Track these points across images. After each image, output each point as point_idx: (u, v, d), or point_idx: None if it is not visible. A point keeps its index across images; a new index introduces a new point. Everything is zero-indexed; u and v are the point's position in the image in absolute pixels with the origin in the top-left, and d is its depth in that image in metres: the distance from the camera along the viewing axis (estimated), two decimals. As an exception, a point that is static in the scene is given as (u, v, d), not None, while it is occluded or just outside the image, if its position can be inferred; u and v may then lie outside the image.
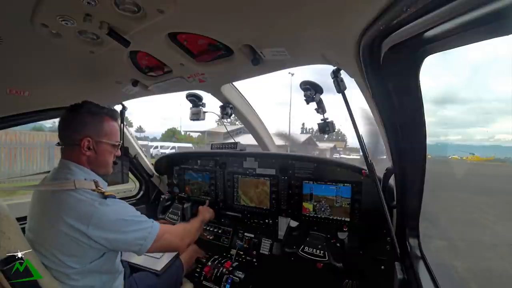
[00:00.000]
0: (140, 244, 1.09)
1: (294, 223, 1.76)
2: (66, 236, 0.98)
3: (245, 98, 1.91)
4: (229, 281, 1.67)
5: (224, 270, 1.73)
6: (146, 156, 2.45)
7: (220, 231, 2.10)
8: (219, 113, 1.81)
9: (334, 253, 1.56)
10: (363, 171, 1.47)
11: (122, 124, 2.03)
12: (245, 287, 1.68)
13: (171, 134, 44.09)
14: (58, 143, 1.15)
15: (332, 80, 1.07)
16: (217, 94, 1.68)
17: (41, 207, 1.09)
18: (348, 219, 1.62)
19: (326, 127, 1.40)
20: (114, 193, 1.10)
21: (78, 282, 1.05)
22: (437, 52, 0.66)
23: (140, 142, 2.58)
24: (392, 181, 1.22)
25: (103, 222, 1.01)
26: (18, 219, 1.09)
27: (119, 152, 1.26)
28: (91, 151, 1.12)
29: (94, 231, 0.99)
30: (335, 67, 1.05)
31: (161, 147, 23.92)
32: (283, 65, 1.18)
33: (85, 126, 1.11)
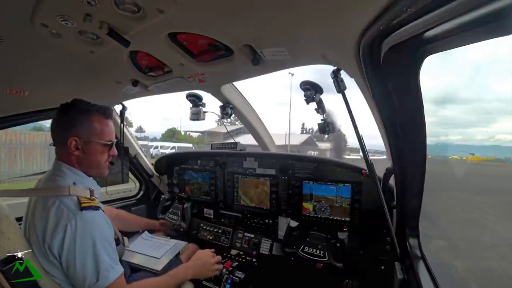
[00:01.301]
0: (89, 285, 0.96)
1: (294, 223, 1.76)
2: (40, 242, 0.97)
3: (245, 98, 1.91)
4: (229, 281, 1.67)
5: (224, 270, 1.72)
6: (146, 156, 2.45)
7: (220, 231, 2.10)
8: (219, 113, 1.81)
9: (334, 253, 1.56)
10: (363, 171, 1.47)
11: (122, 124, 2.03)
12: (245, 287, 1.68)
13: (171, 134, 44.12)
14: (51, 143, 1.13)
15: (332, 80, 1.07)
16: (217, 94, 1.68)
17: (28, 210, 1.08)
18: (348, 219, 1.62)
19: (326, 127, 1.40)
20: (98, 204, 1.05)
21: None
22: (437, 52, 0.66)
23: (140, 142, 2.58)
24: (392, 181, 1.22)
25: (67, 236, 0.93)
26: (18, 219, 1.10)
27: (115, 152, 1.19)
28: (79, 151, 1.07)
29: (56, 241, 0.94)
30: (335, 67, 1.05)
31: (161, 147, 23.94)
32: (283, 65, 1.18)
33: (73, 125, 1.07)
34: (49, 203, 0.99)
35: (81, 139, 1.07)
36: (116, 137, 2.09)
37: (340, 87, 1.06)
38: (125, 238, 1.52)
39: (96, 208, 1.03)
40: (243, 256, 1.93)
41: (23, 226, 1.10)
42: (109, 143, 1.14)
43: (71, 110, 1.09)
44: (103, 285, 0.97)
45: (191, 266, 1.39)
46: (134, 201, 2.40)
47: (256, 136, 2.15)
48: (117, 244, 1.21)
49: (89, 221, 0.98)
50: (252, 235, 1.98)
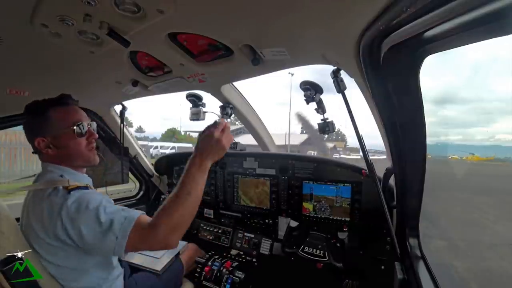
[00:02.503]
0: (111, 246, 0.88)
1: (294, 223, 1.76)
2: (42, 237, 0.95)
3: (245, 98, 1.91)
4: (229, 281, 1.67)
5: (224, 270, 1.73)
6: (146, 156, 2.45)
7: (220, 231, 2.10)
8: (219, 113, 1.81)
9: (334, 253, 1.56)
10: (363, 171, 1.47)
11: (122, 124, 2.03)
12: (245, 287, 1.68)
13: (171, 134, 44.13)
14: (33, 151, 1.10)
15: (332, 80, 1.07)
16: (217, 94, 1.68)
17: (25, 208, 1.07)
18: (348, 219, 1.62)
19: (326, 127, 1.40)
20: (83, 184, 1.01)
21: (76, 282, 1.04)
22: (437, 52, 0.66)
23: (140, 142, 2.58)
24: (392, 181, 1.22)
25: (64, 219, 0.89)
26: (18, 219, 1.09)
27: (93, 134, 1.11)
28: (52, 149, 1.04)
29: (60, 231, 0.90)
30: (335, 67, 1.05)
31: (161, 147, 23.93)
32: (283, 65, 1.18)
33: (32, 128, 1.05)
34: (40, 198, 0.98)
35: (47, 137, 1.03)
36: (114, 136, 2.12)
37: (340, 87, 1.07)
38: None
39: (85, 188, 1.00)
40: (243, 256, 1.93)
41: (20, 227, 1.10)
42: (76, 127, 1.04)
43: (27, 114, 1.07)
44: (127, 231, 0.87)
45: (204, 153, 0.99)
46: (134, 201, 2.40)
47: (256, 136, 2.15)
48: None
49: (79, 197, 0.94)
50: (252, 235, 1.98)
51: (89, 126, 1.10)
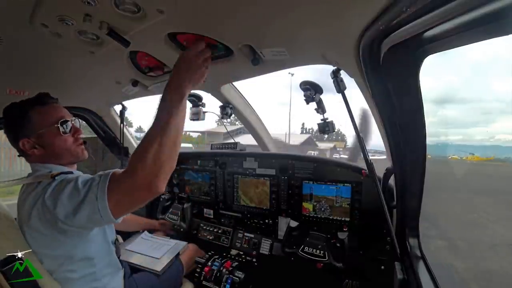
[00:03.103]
0: (94, 197, 0.81)
1: (294, 223, 1.76)
2: (32, 230, 0.95)
3: (245, 98, 1.91)
4: (229, 281, 1.67)
5: (224, 270, 1.72)
6: (146, 156, 2.44)
7: (220, 231, 2.10)
8: (219, 113, 1.81)
9: (334, 253, 1.56)
10: (363, 171, 1.47)
11: (122, 124, 2.03)
12: (245, 287, 1.68)
13: (171, 134, 43.98)
14: (18, 154, 1.09)
15: (332, 80, 1.07)
16: (217, 94, 1.68)
17: (18, 209, 1.06)
18: (348, 219, 1.62)
19: (326, 127, 1.40)
20: (70, 172, 1.00)
21: (74, 274, 1.02)
22: (437, 52, 0.66)
23: (140, 142, 2.57)
24: (392, 181, 1.22)
25: (46, 199, 0.88)
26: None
27: (78, 130, 1.10)
28: (38, 148, 1.03)
29: (44, 210, 0.89)
30: (335, 67, 1.05)
31: (161, 147, 23.84)
32: (283, 65, 1.18)
33: (14, 131, 1.03)
34: (28, 193, 0.98)
35: (32, 138, 1.02)
36: (114, 136, 2.12)
37: (340, 87, 1.06)
38: (118, 236, 1.51)
39: (69, 173, 0.98)
40: (243, 256, 1.93)
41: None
42: (58, 124, 1.03)
43: (7, 118, 1.05)
44: (104, 191, 0.82)
45: (181, 77, 0.90)
46: (134, 201, 2.39)
47: (256, 136, 2.15)
48: (113, 243, 1.21)
49: (61, 179, 0.92)
50: (252, 235, 1.98)
51: (73, 122, 1.09)
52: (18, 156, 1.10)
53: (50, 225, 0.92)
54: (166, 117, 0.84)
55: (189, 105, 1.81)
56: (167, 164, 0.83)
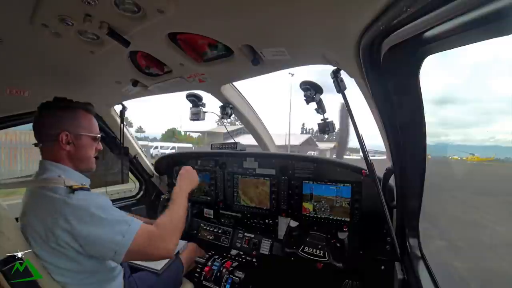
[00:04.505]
0: (115, 247, 0.95)
1: (294, 223, 1.76)
2: (40, 237, 0.95)
3: (245, 98, 1.91)
4: (229, 281, 1.67)
5: (224, 270, 1.73)
6: (146, 156, 2.45)
7: (220, 231, 2.10)
8: (219, 113, 1.81)
9: (334, 253, 1.56)
10: (363, 171, 1.47)
11: (122, 124, 2.03)
12: (245, 287, 1.68)
13: (171, 134, 44.15)
14: (35, 143, 1.11)
15: (332, 80, 1.07)
16: (217, 94, 1.68)
17: (22, 209, 1.07)
18: (348, 219, 1.62)
19: (326, 127, 1.40)
20: (86, 186, 1.04)
21: (75, 280, 1.04)
22: (437, 52, 0.66)
23: (140, 142, 2.58)
24: (392, 181, 1.22)
25: (69, 217, 0.91)
26: (18, 219, 1.09)
27: (100, 146, 1.22)
28: (70, 145, 1.09)
29: (61, 230, 0.92)
30: (335, 67, 1.05)
31: (161, 147, 23.94)
32: (283, 65, 1.18)
33: (60, 121, 1.08)
34: (40, 196, 0.99)
35: (71, 134, 1.09)
36: (114, 136, 2.12)
37: (340, 87, 1.06)
38: None
39: (87, 189, 1.03)
40: (243, 256, 1.93)
41: (19, 227, 1.10)
42: (96, 136, 1.18)
43: (57, 107, 1.11)
44: (129, 242, 0.96)
45: (182, 186, 1.33)
46: (134, 201, 2.40)
47: (256, 136, 2.15)
48: None
49: (83, 198, 0.97)
50: (252, 235, 1.98)
51: (99, 138, 1.22)
52: (35, 145, 1.13)
53: (61, 241, 0.94)
54: (177, 208, 1.20)
55: (189, 105, 1.81)
56: (178, 231, 1.14)
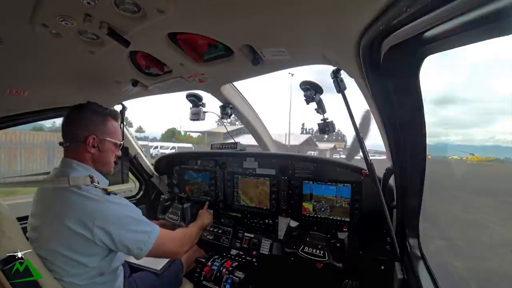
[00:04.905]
0: (140, 247, 1.09)
1: (294, 223, 1.76)
2: (72, 232, 0.99)
3: (245, 98, 1.91)
4: (229, 281, 1.67)
5: (224, 270, 1.73)
6: (146, 156, 2.45)
7: (220, 231, 2.10)
8: (219, 113, 1.81)
9: (334, 253, 1.56)
10: (363, 171, 1.47)
11: (122, 124, 2.03)
12: (245, 287, 1.68)
13: (171, 134, 44.16)
14: (60, 142, 1.16)
15: (332, 80, 1.07)
16: (217, 94, 1.68)
17: (43, 205, 1.10)
18: (348, 219, 1.62)
19: (326, 127, 1.40)
20: (113, 190, 1.11)
21: (78, 280, 1.05)
22: (437, 52, 0.66)
23: (140, 142, 2.58)
24: (392, 181, 1.22)
25: (108, 218, 1.02)
26: (19, 219, 1.10)
27: (119, 152, 1.29)
28: (95, 149, 1.15)
29: (98, 228, 1.00)
30: (335, 67, 1.05)
31: (161, 147, 23.92)
32: (283, 65, 1.18)
33: (90, 125, 1.15)
34: (71, 194, 1.02)
35: (98, 138, 1.15)
36: None
37: (340, 87, 1.07)
38: None
39: (115, 193, 1.13)
40: (243, 256, 1.93)
41: (32, 224, 1.11)
42: (119, 143, 1.25)
43: (88, 111, 1.17)
44: (151, 245, 1.11)
45: (201, 217, 1.78)
46: (134, 201, 2.40)
47: (256, 136, 2.15)
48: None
49: (118, 202, 1.09)
50: (252, 235, 1.98)
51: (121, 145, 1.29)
52: (59, 144, 1.18)
53: (99, 239, 1.02)
54: (195, 234, 1.51)
55: (189, 105, 1.81)
56: (189, 243, 1.41)
